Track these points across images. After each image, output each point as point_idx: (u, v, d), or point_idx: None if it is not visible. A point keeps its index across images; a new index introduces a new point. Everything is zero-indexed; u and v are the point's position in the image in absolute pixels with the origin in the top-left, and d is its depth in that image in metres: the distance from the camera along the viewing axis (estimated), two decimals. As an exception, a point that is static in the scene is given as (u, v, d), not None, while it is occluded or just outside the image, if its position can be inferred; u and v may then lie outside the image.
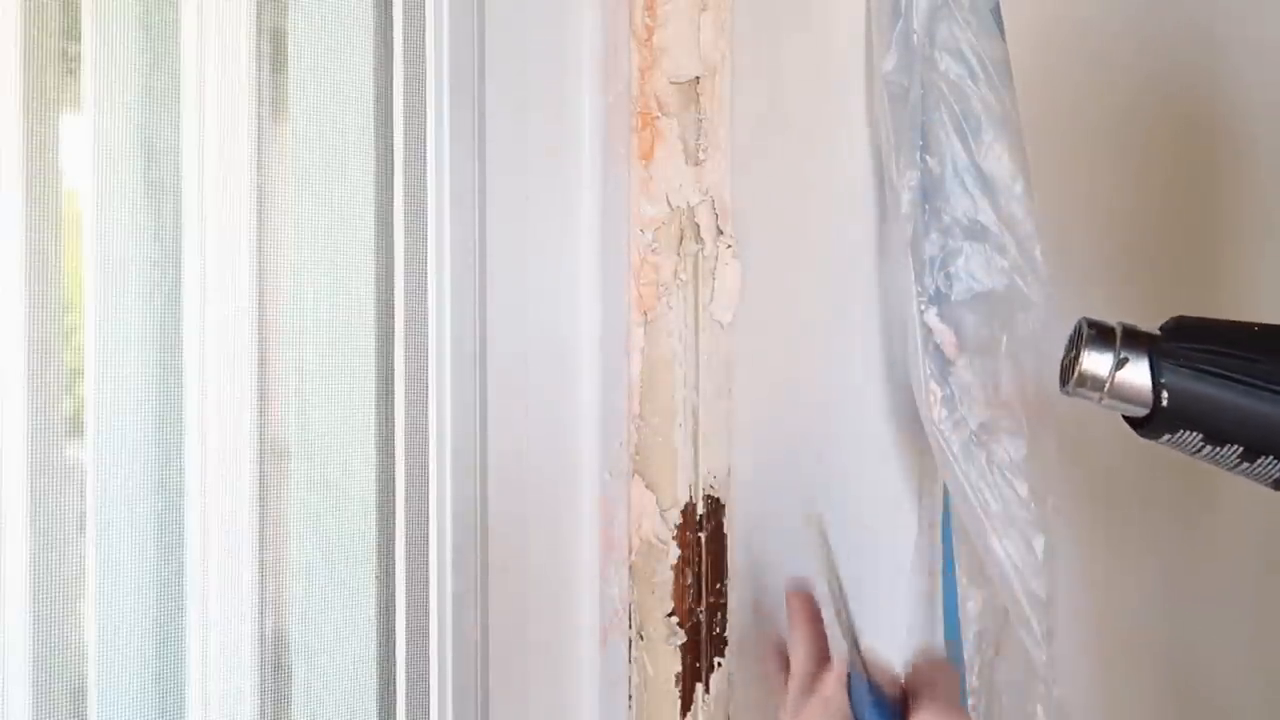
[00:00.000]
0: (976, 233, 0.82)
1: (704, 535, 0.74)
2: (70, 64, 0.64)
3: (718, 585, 0.74)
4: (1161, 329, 0.59)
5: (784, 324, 0.78)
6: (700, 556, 0.73)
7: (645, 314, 0.72)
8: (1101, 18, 1.01)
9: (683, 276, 0.73)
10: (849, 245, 0.82)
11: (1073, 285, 0.94)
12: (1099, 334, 0.60)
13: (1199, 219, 1.10)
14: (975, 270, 0.81)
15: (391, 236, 0.68)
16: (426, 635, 0.68)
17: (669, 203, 0.72)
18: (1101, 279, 1.03)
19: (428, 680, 0.68)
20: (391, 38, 0.68)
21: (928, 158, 0.81)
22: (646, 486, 0.72)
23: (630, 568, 0.72)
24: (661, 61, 0.71)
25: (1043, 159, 0.85)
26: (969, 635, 0.83)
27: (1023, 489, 0.81)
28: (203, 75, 0.67)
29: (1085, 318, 0.60)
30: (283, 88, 0.69)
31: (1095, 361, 0.59)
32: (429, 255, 0.67)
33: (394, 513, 0.69)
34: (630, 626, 0.73)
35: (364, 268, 0.69)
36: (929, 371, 0.81)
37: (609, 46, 0.70)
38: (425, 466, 0.68)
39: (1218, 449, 0.59)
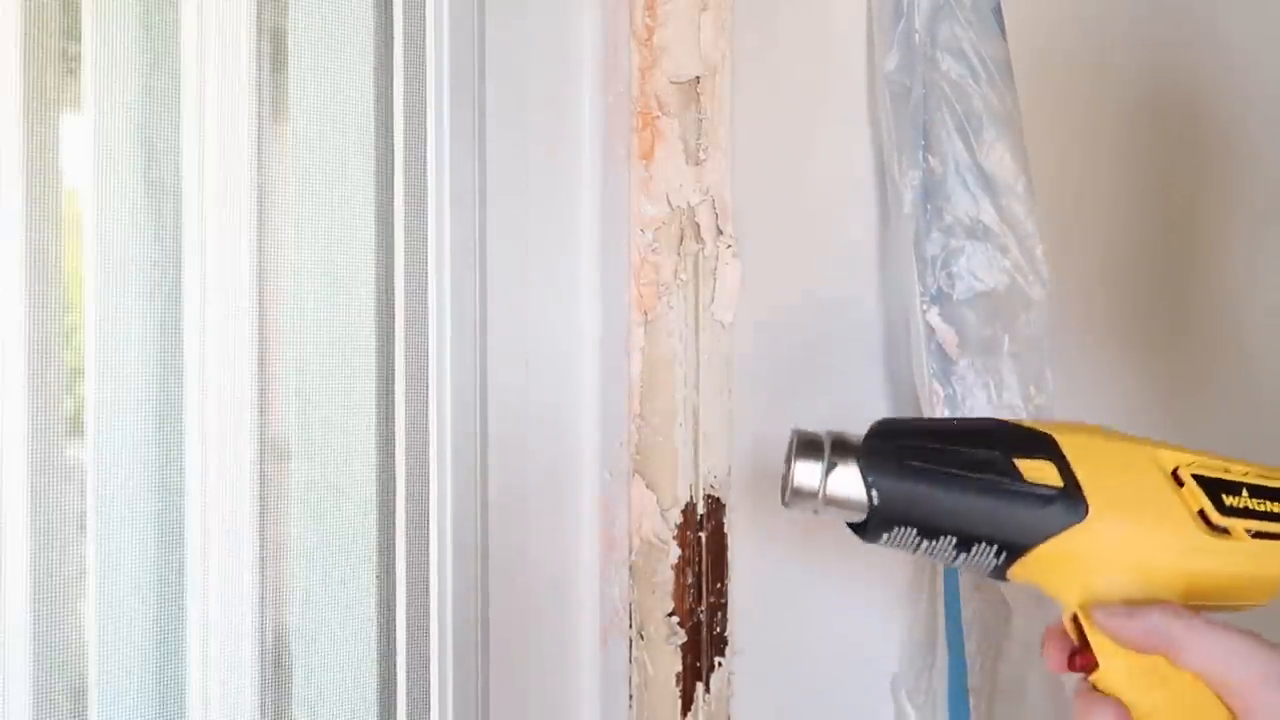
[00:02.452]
0: (978, 232, 0.82)
1: (704, 535, 0.74)
2: (70, 64, 0.64)
3: (718, 585, 0.74)
4: (866, 434, 0.61)
5: (784, 323, 0.78)
6: (701, 556, 0.74)
7: (645, 313, 0.72)
8: (1102, 17, 1.01)
9: (683, 276, 0.73)
10: (849, 245, 0.82)
11: (1074, 285, 0.94)
12: (807, 445, 0.61)
13: (1200, 218, 1.10)
14: (977, 269, 0.81)
15: (392, 236, 0.68)
16: (427, 635, 0.68)
17: (669, 202, 0.72)
18: (1102, 278, 1.03)
19: (428, 679, 0.68)
20: (392, 37, 0.68)
21: (929, 157, 0.81)
22: (647, 486, 0.72)
23: (631, 567, 0.72)
24: (662, 61, 0.71)
25: (1044, 159, 0.85)
26: (970, 635, 0.83)
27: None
28: (203, 75, 0.67)
29: (795, 429, 0.62)
30: (283, 87, 0.69)
31: (806, 473, 0.60)
32: (429, 255, 0.67)
33: (394, 512, 0.69)
34: (631, 626, 0.73)
35: (364, 267, 0.69)
36: (931, 370, 0.81)
37: (609, 46, 0.70)
38: (425, 466, 0.68)
39: (933, 542, 0.60)
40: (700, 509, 0.73)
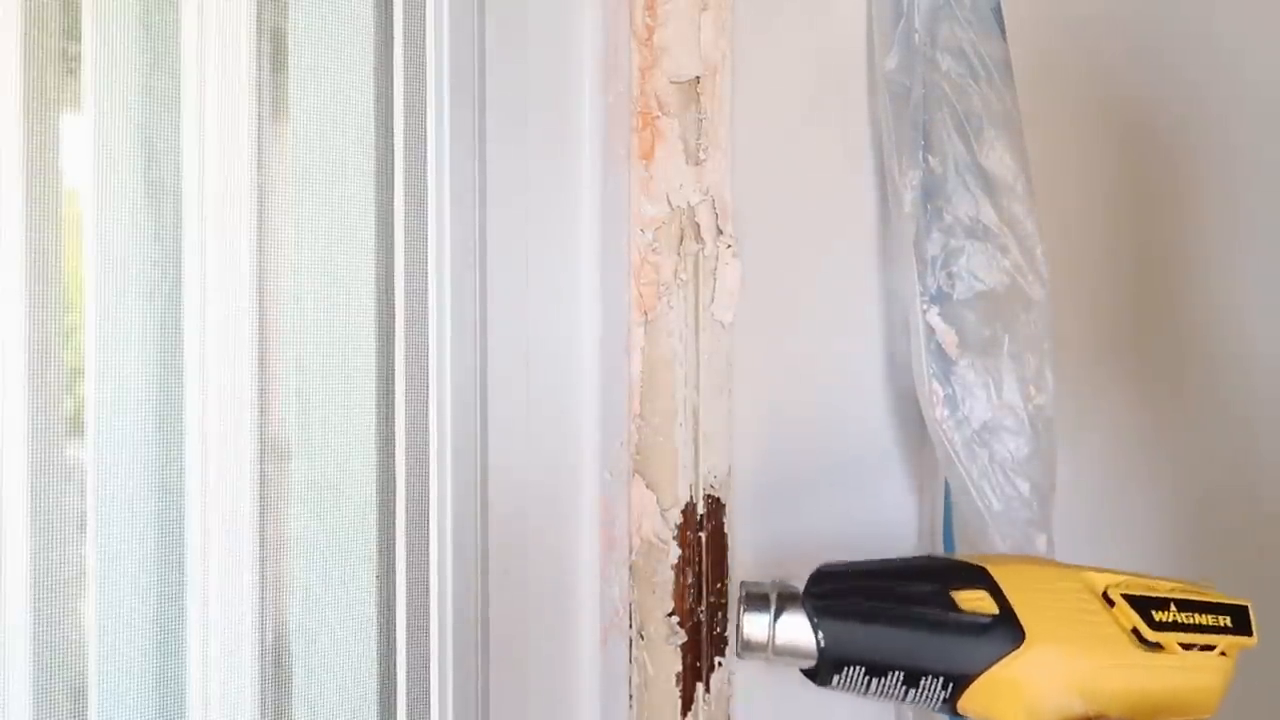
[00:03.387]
0: (978, 232, 0.82)
1: (704, 535, 0.74)
2: (70, 64, 0.64)
3: (718, 585, 0.74)
4: (808, 581, 0.65)
5: (784, 323, 0.78)
6: (701, 556, 0.74)
7: (645, 313, 0.72)
8: (1102, 16, 1.01)
9: (683, 276, 0.73)
10: (850, 244, 0.82)
11: (1074, 285, 0.94)
12: (754, 597, 0.64)
13: (1201, 217, 1.10)
14: (977, 269, 0.81)
15: (392, 236, 0.68)
16: (427, 634, 0.68)
17: (669, 202, 0.72)
18: (1102, 278, 1.03)
19: (428, 679, 0.68)
20: (392, 37, 0.68)
21: (930, 157, 0.81)
22: (647, 486, 0.72)
23: (631, 567, 0.72)
24: (662, 61, 0.71)
25: (1045, 158, 0.85)
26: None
27: (1024, 487, 0.81)
28: (203, 75, 0.67)
29: (743, 581, 0.66)
30: (283, 87, 0.69)
31: (754, 625, 0.64)
32: (429, 255, 0.67)
33: (394, 512, 0.69)
34: (631, 626, 0.73)
35: (364, 267, 0.69)
36: (931, 370, 0.81)
37: (609, 46, 0.70)
38: (426, 466, 0.68)
39: (882, 679, 0.63)
40: (700, 509, 0.73)
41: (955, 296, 0.81)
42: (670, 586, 0.73)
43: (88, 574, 0.65)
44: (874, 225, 0.83)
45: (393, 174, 0.68)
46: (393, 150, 0.68)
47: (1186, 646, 0.63)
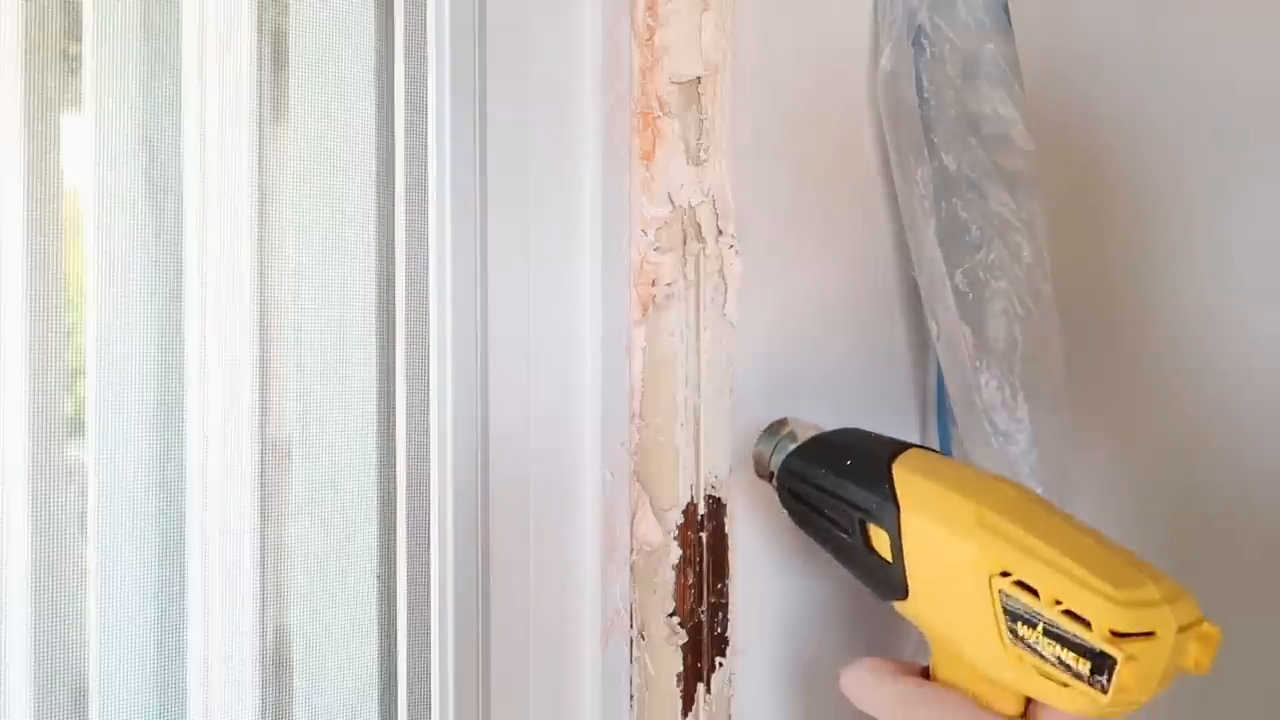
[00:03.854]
0: (990, 229, 0.81)
1: (705, 535, 0.73)
2: (71, 64, 0.64)
3: (719, 585, 0.74)
4: (789, 456, 0.71)
5: (786, 323, 0.78)
6: (702, 556, 0.73)
7: (646, 313, 0.72)
8: (1103, 16, 1.00)
9: (685, 276, 0.73)
10: (852, 245, 0.82)
11: (1082, 282, 0.94)
12: (771, 429, 0.74)
13: (1200, 216, 1.10)
14: (990, 267, 0.81)
15: (392, 236, 0.68)
16: (427, 634, 0.68)
17: (671, 202, 0.72)
18: (1104, 277, 1.02)
19: (429, 679, 0.68)
20: (392, 37, 0.68)
21: (942, 154, 0.81)
22: (648, 486, 0.72)
23: (631, 568, 0.72)
24: (663, 61, 0.71)
25: (1050, 157, 0.85)
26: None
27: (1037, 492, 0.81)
28: (204, 75, 0.67)
29: (787, 418, 0.75)
30: (284, 87, 0.69)
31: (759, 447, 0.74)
32: (430, 255, 0.67)
33: (395, 512, 0.69)
34: (631, 626, 0.73)
35: (365, 267, 0.69)
36: (943, 369, 0.81)
37: (610, 46, 0.70)
38: (426, 465, 0.68)
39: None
40: (701, 509, 0.73)
41: (969, 295, 0.81)
42: (671, 587, 0.73)
43: (88, 574, 0.65)
44: (877, 225, 0.83)
45: (393, 174, 0.68)
46: (393, 150, 0.68)
47: (1041, 674, 0.60)
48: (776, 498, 0.72)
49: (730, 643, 0.75)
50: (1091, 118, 1.00)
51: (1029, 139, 0.83)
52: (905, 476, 0.65)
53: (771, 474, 0.72)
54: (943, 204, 0.80)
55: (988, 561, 0.61)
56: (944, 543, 0.63)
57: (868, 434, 0.71)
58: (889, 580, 0.65)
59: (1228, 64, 1.10)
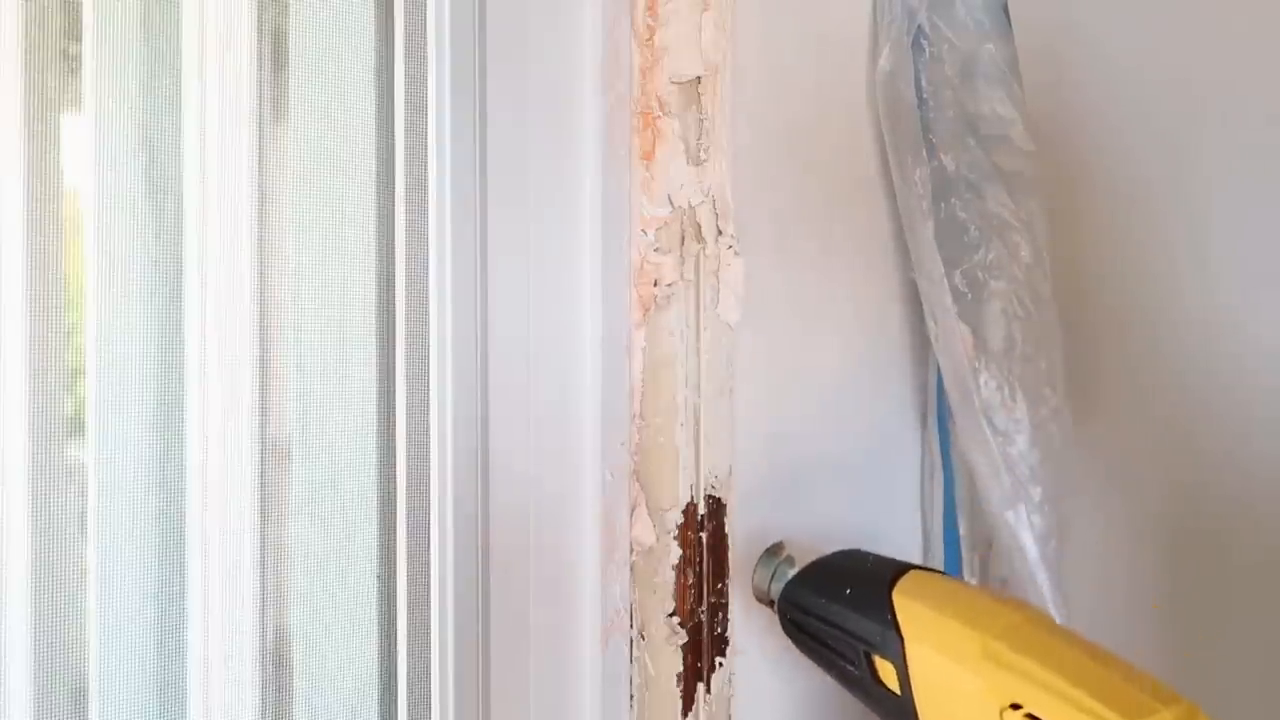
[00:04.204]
0: (990, 229, 0.81)
1: (705, 535, 0.73)
2: (71, 64, 0.64)
3: (719, 585, 0.74)
4: (786, 588, 0.72)
5: (786, 323, 0.78)
6: (702, 556, 0.73)
7: (646, 314, 0.72)
8: (1105, 16, 1.00)
9: (685, 276, 0.73)
10: (852, 245, 0.82)
11: (1076, 284, 0.94)
12: (769, 554, 0.75)
13: (1200, 216, 1.10)
14: (990, 267, 0.81)
15: (392, 236, 0.68)
16: (428, 634, 0.68)
17: (671, 202, 0.72)
18: (1103, 277, 1.03)
19: (429, 679, 0.68)
20: (393, 37, 0.68)
21: (940, 155, 0.81)
22: (648, 486, 0.72)
23: (631, 568, 0.72)
24: (663, 61, 0.71)
25: (1049, 156, 0.85)
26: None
27: (1036, 492, 0.81)
28: (204, 75, 0.67)
29: (783, 541, 0.76)
30: (284, 87, 0.69)
31: (758, 576, 0.75)
32: (430, 255, 0.67)
33: (395, 512, 0.69)
34: (632, 626, 0.73)
35: (365, 267, 0.69)
36: (944, 370, 0.81)
37: (610, 47, 0.70)
38: (426, 465, 0.68)
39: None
40: (701, 509, 0.73)
41: (968, 296, 0.81)
42: (671, 587, 0.73)
43: (88, 574, 0.65)
44: (877, 225, 0.83)
45: (393, 174, 0.68)
46: (393, 150, 0.68)
47: None
48: (779, 499, 0.72)
49: (730, 643, 0.75)
50: (1090, 118, 1.00)
51: (1028, 139, 0.83)
52: (907, 604, 0.65)
53: (772, 601, 0.72)
54: (941, 204, 0.80)
55: (997, 695, 0.60)
56: (951, 675, 0.62)
57: (866, 556, 0.70)
58: (899, 712, 0.64)
59: (1227, 64, 1.10)
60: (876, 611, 0.65)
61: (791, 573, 0.72)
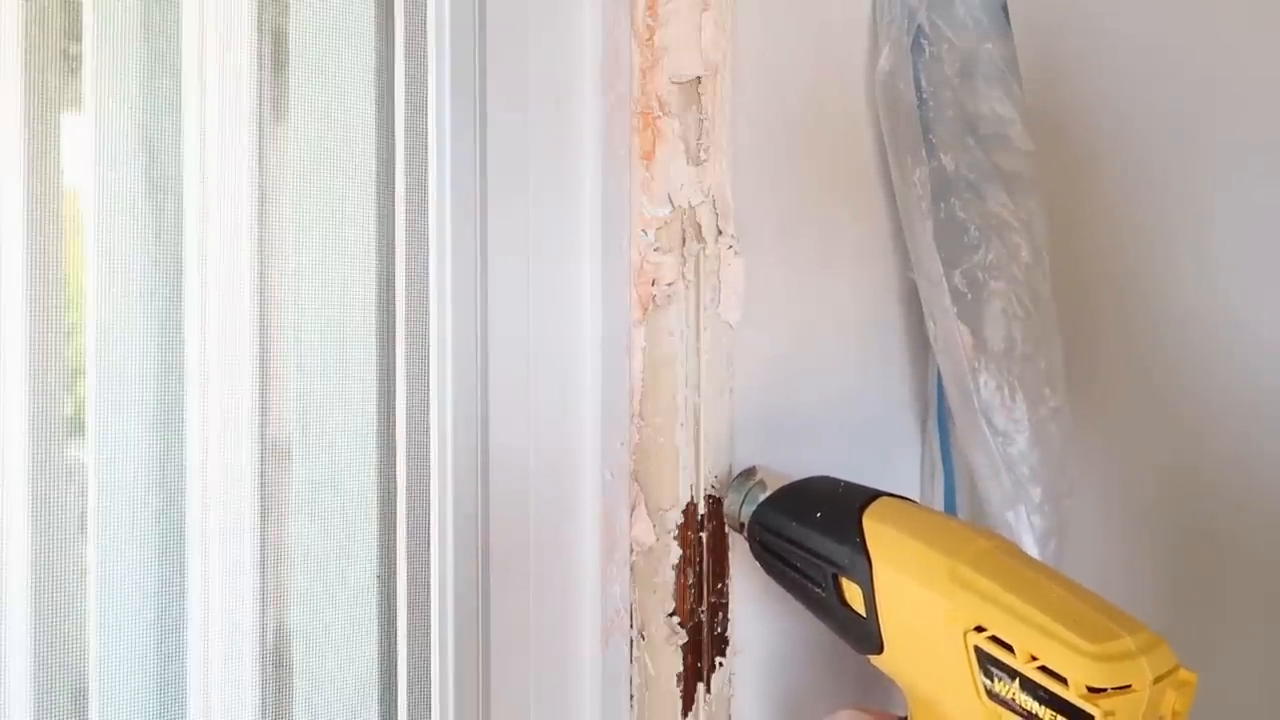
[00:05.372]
0: (989, 229, 0.81)
1: (705, 535, 0.74)
2: (71, 64, 0.64)
3: (719, 585, 0.74)
4: (758, 509, 0.71)
5: (786, 323, 0.78)
6: (702, 556, 0.73)
7: (646, 313, 0.72)
8: (1106, 15, 1.00)
9: (685, 276, 0.73)
10: (852, 245, 0.82)
11: (1076, 284, 0.94)
12: (741, 478, 0.74)
13: (1200, 215, 1.10)
14: (990, 267, 0.81)
15: (392, 236, 0.68)
16: (428, 634, 0.68)
17: (671, 202, 0.72)
18: (1102, 276, 1.03)
19: (429, 679, 0.68)
20: (393, 37, 0.68)
21: (940, 155, 0.81)
22: (647, 486, 0.72)
23: (631, 567, 0.72)
24: (663, 61, 0.71)
25: (1049, 156, 0.85)
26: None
27: (1036, 493, 0.81)
28: (204, 75, 0.67)
29: (756, 467, 0.75)
30: (284, 87, 0.69)
31: (730, 500, 0.74)
32: (430, 255, 0.67)
33: (395, 512, 0.69)
34: (632, 626, 0.73)
35: (365, 267, 0.69)
36: (943, 371, 0.81)
37: (610, 46, 0.70)
38: (426, 465, 0.68)
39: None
40: (701, 509, 0.73)
41: (968, 296, 0.80)
42: (671, 587, 0.73)
43: (88, 574, 0.65)
44: (876, 225, 0.83)
45: (393, 174, 0.68)
46: (393, 150, 0.68)
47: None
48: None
49: (730, 643, 0.75)
50: (1090, 118, 1.00)
51: (1027, 139, 0.83)
52: (876, 528, 0.65)
53: (742, 525, 0.72)
54: (941, 204, 0.80)
55: (962, 617, 0.60)
56: (917, 597, 0.62)
57: (838, 483, 0.70)
58: (864, 634, 0.65)
59: (1227, 64, 1.10)
60: (846, 534, 0.65)
61: (763, 496, 0.71)
